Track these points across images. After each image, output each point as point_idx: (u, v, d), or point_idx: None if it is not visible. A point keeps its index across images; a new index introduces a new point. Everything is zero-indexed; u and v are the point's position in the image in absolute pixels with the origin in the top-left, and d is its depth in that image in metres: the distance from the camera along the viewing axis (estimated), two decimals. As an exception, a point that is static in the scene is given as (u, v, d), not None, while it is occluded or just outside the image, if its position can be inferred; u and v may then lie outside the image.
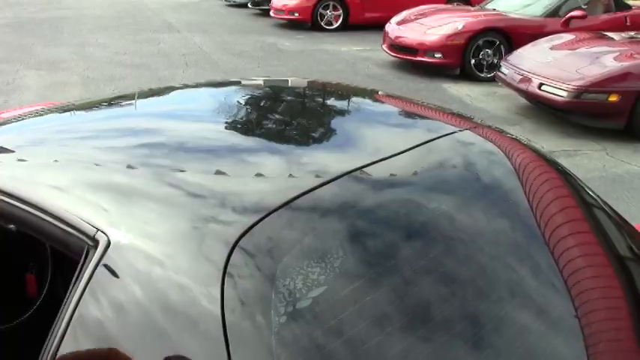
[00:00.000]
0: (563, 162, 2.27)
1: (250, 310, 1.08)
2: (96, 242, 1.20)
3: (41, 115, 2.03)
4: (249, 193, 1.31)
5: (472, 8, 12.04)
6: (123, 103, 2.14)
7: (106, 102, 2.12)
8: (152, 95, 2.24)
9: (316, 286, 1.16)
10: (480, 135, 1.84)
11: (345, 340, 1.10)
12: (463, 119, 1.98)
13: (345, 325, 1.12)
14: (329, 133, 1.85)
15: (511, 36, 9.63)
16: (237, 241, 1.15)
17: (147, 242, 1.21)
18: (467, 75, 9.68)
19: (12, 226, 2.13)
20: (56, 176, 1.44)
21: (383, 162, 1.50)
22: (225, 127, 1.81)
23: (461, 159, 1.68)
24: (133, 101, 2.13)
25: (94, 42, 12.81)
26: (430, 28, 10.06)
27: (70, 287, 1.19)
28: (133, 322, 1.09)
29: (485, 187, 1.62)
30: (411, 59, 10.14)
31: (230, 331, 1.04)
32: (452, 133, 1.78)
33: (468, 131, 1.82)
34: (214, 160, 1.49)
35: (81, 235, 1.22)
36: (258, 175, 1.39)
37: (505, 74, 7.81)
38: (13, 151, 1.63)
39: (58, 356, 1.12)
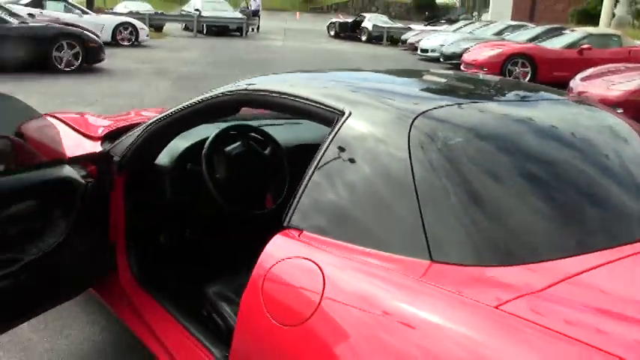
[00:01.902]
0: None
1: (437, 173, 1.83)
2: (342, 113, 2.07)
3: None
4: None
5: (661, 68, 12.12)
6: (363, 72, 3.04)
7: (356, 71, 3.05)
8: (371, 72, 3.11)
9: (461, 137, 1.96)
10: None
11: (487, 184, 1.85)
12: None
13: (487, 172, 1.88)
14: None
15: (697, 95, 9.73)
16: (415, 118, 1.97)
17: (368, 120, 2.04)
18: (648, 131, 9.84)
19: (266, 151, 3.07)
20: (321, 88, 2.34)
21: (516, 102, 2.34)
22: (421, 89, 2.69)
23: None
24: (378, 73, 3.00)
25: (296, 80, 14.16)
26: (614, 84, 10.36)
27: (320, 148, 2.04)
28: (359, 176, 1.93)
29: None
30: (592, 113, 10.44)
31: (419, 187, 1.80)
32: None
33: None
34: (425, 97, 2.36)
35: (333, 111, 2.11)
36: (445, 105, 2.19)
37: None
38: (283, 80, 2.56)
39: (301, 199, 1.99)
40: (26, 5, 18.19)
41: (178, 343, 2.57)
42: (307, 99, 2.24)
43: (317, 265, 1.77)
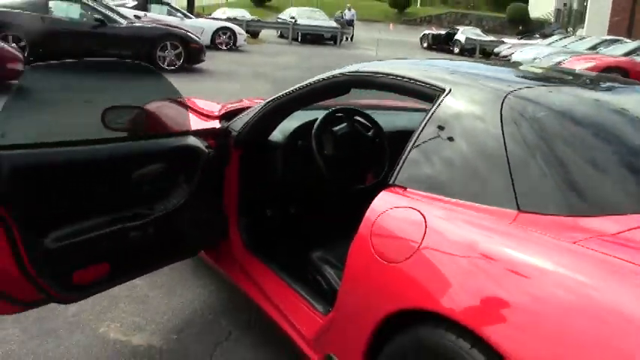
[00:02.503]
0: None
1: (524, 140, 2.05)
2: (442, 90, 2.33)
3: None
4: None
5: None
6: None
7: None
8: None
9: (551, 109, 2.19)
10: None
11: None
12: None
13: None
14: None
15: None
16: (507, 95, 2.21)
17: (465, 96, 2.28)
18: None
19: (369, 133, 3.30)
20: (423, 71, 2.58)
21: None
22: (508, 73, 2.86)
23: None
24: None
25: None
26: None
27: (422, 119, 2.27)
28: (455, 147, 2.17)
29: None
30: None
31: (510, 155, 2.02)
32: None
33: None
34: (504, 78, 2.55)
35: (435, 88, 2.38)
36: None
37: None
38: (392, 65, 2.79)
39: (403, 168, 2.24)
40: (132, 8, 19.06)
41: (286, 301, 2.83)
42: (411, 78, 2.51)
43: (420, 212, 2.06)
